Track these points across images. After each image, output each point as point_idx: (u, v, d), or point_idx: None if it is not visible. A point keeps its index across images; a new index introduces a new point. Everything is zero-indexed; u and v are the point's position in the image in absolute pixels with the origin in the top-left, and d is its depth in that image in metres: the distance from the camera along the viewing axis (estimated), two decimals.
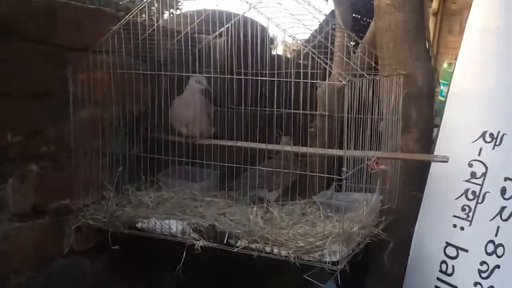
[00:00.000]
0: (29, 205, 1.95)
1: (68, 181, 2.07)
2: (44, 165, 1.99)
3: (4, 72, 1.85)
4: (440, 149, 2.23)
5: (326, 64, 1.81)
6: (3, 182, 1.87)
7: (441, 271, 2.20)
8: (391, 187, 2.18)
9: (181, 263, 1.90)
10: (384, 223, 2.14)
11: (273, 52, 3.40)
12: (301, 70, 2.11)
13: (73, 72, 2.04)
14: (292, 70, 2.24)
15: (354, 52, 2.44)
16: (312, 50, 1.84)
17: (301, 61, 2.55)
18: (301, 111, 2.12)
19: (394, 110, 2.22)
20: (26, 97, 1.93)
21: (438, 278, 2.21)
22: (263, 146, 2.13)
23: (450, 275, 2.18)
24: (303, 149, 2.13)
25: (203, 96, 2.35)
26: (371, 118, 2.09)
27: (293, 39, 1.86)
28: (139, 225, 2.03)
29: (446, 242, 2.21)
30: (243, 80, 2.12)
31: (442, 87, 3.22)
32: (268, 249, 1.83)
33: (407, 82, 2.29)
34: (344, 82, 1.69)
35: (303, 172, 2.01)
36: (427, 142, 2.41)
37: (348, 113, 1.76)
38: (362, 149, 1.95)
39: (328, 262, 1.75)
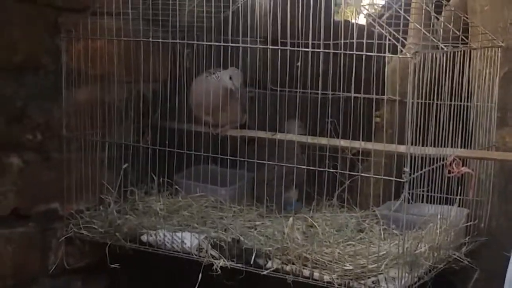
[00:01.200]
0: (7, 208, 2.11)
1: (58, 180, 2.24)
2: (28, 158, 2.15)
3: None
4: None
5: (393, 36, 1.88)
6: None
7: None
8: (480, 198, 2.25)
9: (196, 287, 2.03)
10: (469, 246, 2.21)
11: (336, 18, 3.48)
12: (364, 40, 2.18)
13: (67, 40, 2.20)
14: (357, 40, 2.33)
15: (438, 19, 2.51)
16: (372, 15, 1.91)
17: (376, 29, 2.63)
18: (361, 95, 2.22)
19: (488, 95, 2.29)
20: (5, 70, 2.08)
21: None
22: (309, 140, 2.24)
23: None
24: (362, 145, 2.22)
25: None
26: (455, 105, 2.17)
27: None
28: (144, 237, 2.18)
29: None
30: (288, 52, 2.18)
31: None
32: (306, 272, 1.93)
33: (507, 58, 2.35)
34: (409, 55, 1.78)
35: (354, 174, 2.11)
36: None
37: (418, 97, 1.83)
38: (439, 146, 2.03)
39: None
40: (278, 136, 2.30)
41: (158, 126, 2.42)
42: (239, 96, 2.41)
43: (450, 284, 2.33)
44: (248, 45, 2.43)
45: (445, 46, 1.97)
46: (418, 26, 2.01)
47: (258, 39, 2.59)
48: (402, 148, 1.87)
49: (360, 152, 2.41)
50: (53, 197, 2.24)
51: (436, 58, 1.92)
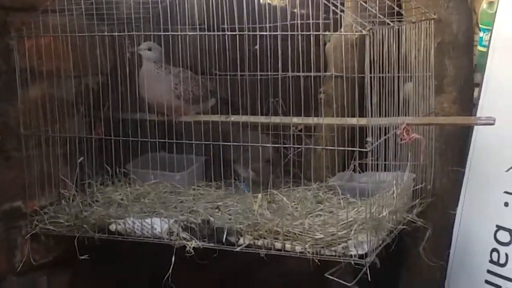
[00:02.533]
0: None
1: (19, 178, 2.25)
2: None
3: None
4: (484, 110, 2.44)
5: (338, 8, 1.98)
6: None
7: (491, 261, 2.41)
8: (424, 162, 2.39)
9: (170, 270, 2.08)
10: (419, 207, 2.35)
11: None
12: (303, 21, 2.28)
13: (18, 39, 2.21)
14: (292, 22, 2.43)
15: None
16: None
17: (296, 10, 2.73)
18: (301, 74, 2.30)
19: (425, 65, 2.42)
20: None
21: (488, 271, 2.42)
22: (263, 119, 2.32)
23: (503, 265, 2.39)
24: (314, 120, 2.32)
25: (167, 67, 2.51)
26: (397, 76, 2.29)
27: None
28: (112, 227, 2.21)
29: (497, 226, 2.41)
30: (227, 37, 2.25)
31: (482, 33, 3.40)
32: (278, 245, 2.02)
33: (439, 29, 2.50)
34: (364, 32, 1.88)
35: (317, 147, 2.21)
36: (467, 103, 2.62)
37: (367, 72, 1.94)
38: (386, 116, 2.15)
39: (354, 256, 1.94)
40: (232, 118, 2.38)
41: (110, 117, 2.45)
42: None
43: (406, 244, 2.47)
44: (188, 33, 2.49)
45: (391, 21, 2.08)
46: (363, 3, 2.10)
47: (198, 27, 2.64)
48: (363, 121, 1.97)
49: (313, 128, 2.51)
50: (16, 195, 2.24)
51: (384, 33, 2.02)
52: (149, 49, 2.48)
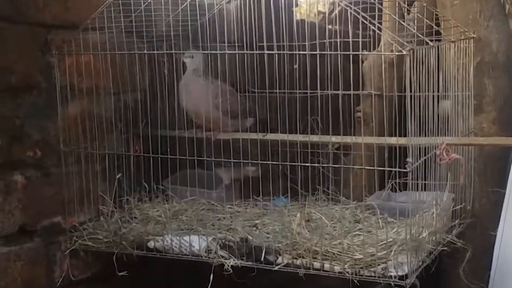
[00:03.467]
0: (15, 225, 2.14)
1: (58, 194, 2.27)
2: (30, 175, 2.18)
3: None
4: None
5: (375, 27, 1.98)
6: None
7: None
8: (464, 183, 2.37)
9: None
10: (458, 228, 2.33)
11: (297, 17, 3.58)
12: (340, 39, 2.28)
13: (59, 57, 2.23)
14: (329, 40, 2.44)
15: (408, 13, 2.63)
16: (356, 9, 1.99)
17: (329, 26, 2.74)
18: (340, 92, 2.29)
19: (464, 85, 2.41)
20: (3, 91, 2.10)
21: None
22: (301, 137, 2.32)
23: None
24: (352, 139, 2.31)
25: (206, 78, 2.53)
26: (437, 96, 2.28)
27: None
28: (151, 244, 2.23)
29: None
30: (265, 55, 2.26)
31: None
32: (317, 264, 2.02)
33: (479, 48, 2.48)
34: (405, 52, 1.87)
35: (357, 167, 2.20)
36: (507, 123, 2.58)
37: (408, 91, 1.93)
38: (425, 136, 2.14)
39: (394, 277, 1.93)
40: (269, 136, 2.38)
41: (149, 134, 2.46)
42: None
43: (445, 265, 2.45)
44: (226, 51, 2.50)
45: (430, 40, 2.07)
46: (401, 22, 2.10)
47: (237, 44, 2.65)
48: (403, 140, 1.96)
49: (352, 147, 2.50)
50: (55, 211, 2.27)
51: (425, 52, 2.01)
52: (191, 57, 2.51)
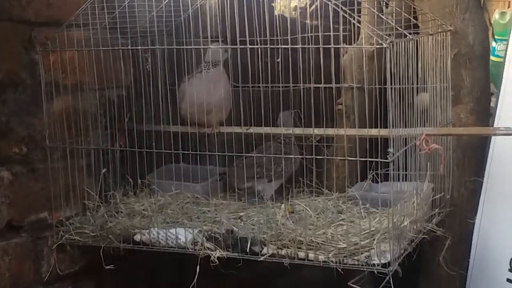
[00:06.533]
0: (3, 220, 2.14)
1: (45, 189, 2.27)
2: (16, 171, 2.18)
3: None
4: (501, 120, 2.45)
5: (355, 19, 2.00)
6: None
7: (511, 270, 2.42)
8: (443, 172, 2.40)
9: (194, 280, 2.09)
10: (438, 217, 2.36)
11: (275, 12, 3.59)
12: (320, 34, 2.31)
13: (43, 53, 2.23)
14: (309, 34, 2.46)
15: (387, 7, 2.65)
16: (336, 3, 2.01)
17: (308, 21, 2.75)
18: (322, 85, 2.31)
19: (442, 76, 2.43)
20: None
21: (508, 280, 2.43)
22: (284, 130, 2.34)
23: None
24: (335, 131, 2.33)
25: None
26: (416, 88, 2.31)
27: None
28: (137, 237, 2.23)
29: None
30: (248, 50, 2.27)
31: (494, 43, 3.41)
32: (302, 254, 2.04)
33: (456, 41, 2.51)
34: (385, 45, 1.89)
35: (340, 158, 2.22)
36: (484, 113, 2.62)
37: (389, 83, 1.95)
38: (405, 127, 2.16)
39: (377, 265, 1.95)
40: (252, 130, 2.40)
41: (134, 128, 2.46)
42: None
43: (425, 252, 2.48)
44: (209, 46, 2.52)
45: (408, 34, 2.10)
46: (380, 15, 2.12)
47: (220, 39, 2.65)
48: (384, 131, 1.98)
49: (334, 139, 2.52)
50: (42, 206, 2.27)
51: (404, 45, 2.04)
52: (226, 51, 2.51)
